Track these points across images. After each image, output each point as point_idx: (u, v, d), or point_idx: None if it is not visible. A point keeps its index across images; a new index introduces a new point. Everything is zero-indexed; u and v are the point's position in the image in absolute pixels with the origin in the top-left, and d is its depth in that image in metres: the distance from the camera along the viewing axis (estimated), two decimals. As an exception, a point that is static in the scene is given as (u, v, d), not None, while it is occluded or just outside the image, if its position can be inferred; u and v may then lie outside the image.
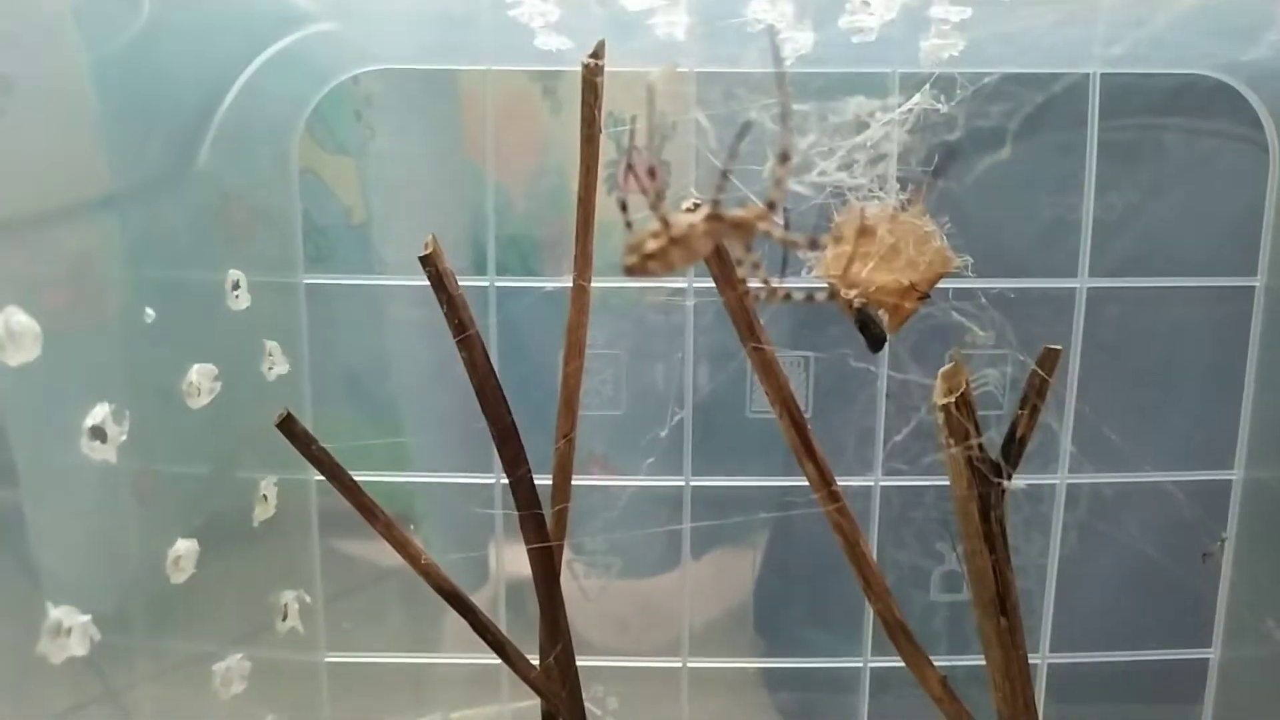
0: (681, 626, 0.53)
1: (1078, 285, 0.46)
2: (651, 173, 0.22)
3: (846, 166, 0.28)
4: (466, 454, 0.49)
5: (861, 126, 0.27)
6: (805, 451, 0.41)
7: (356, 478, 0.42)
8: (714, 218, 0.24)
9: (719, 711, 0.51)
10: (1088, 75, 0.44)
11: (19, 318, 0.26)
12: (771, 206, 0.24)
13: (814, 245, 0.26)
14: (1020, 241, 0.47)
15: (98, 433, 0.30)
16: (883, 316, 0.36)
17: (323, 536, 0.50)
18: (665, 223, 0.22)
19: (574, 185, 0.39)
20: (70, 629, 0.28)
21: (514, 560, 0.52)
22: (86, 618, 0.29)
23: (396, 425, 0.51)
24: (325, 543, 0.50)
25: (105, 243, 0.33)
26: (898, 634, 0.44)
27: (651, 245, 0.23)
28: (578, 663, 0.50)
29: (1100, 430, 0.49)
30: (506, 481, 0.43)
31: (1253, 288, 0.47)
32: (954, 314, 0.38)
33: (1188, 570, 0.50)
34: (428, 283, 0.39)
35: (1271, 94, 0.45)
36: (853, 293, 0.37)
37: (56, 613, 0.28)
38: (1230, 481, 0.49)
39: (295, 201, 0.45)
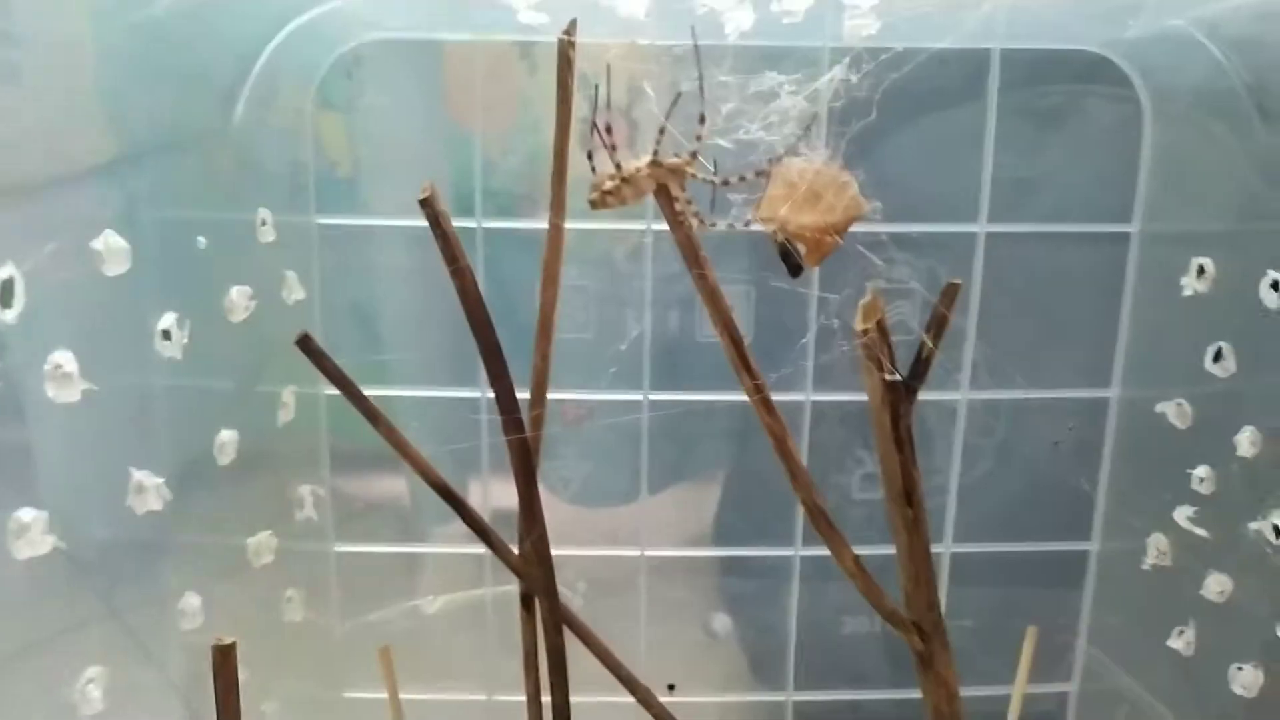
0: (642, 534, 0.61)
1: (978, 229, 0.54)
2: (608, 129, 0.30)
3: (766, 127, 0.35)
4: (453, 372, 0.56)
5: (772, 96, 0.34)
6: (741, 364, 0.48)
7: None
8: (654, 164, 0.31)
9: (675, 594, 0.59)
10: (989, 50, 0.51)
11: (114, 239, 0.33)
12: (694, 156, 0.32)
13: (726, 183, 0.33)
14: (929, 192, 0.55)
15: (167, 335, 0.37)
16: (802, 250, 0.44)
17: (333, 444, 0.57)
18: (618, 167, 0.30)
19: (549, 139, 0.46)
20: (147, 488, 0.36)
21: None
22: (160, 480, 0.36)
23: (394, 345, 0.58)
24: (335, 447, 0.57)
25: (165, 182, 0.40)
26: (818, 518, 0.52)
27: (608, 184, 0.30)
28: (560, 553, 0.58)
29: (997, 354, 0.57)
30: (491, 396, 0.51)
31: (1129, 233, 0.55)
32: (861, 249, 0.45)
33: (1071, 475, 0.59)
34: (421, 225, 0.46)
35: (1143, 65, 0.52)
36: (774, 228, 0.45)
37: (139, 475, 0.35)
38: (1108, 399, 0.57)
39: (309, 153, 0.51)
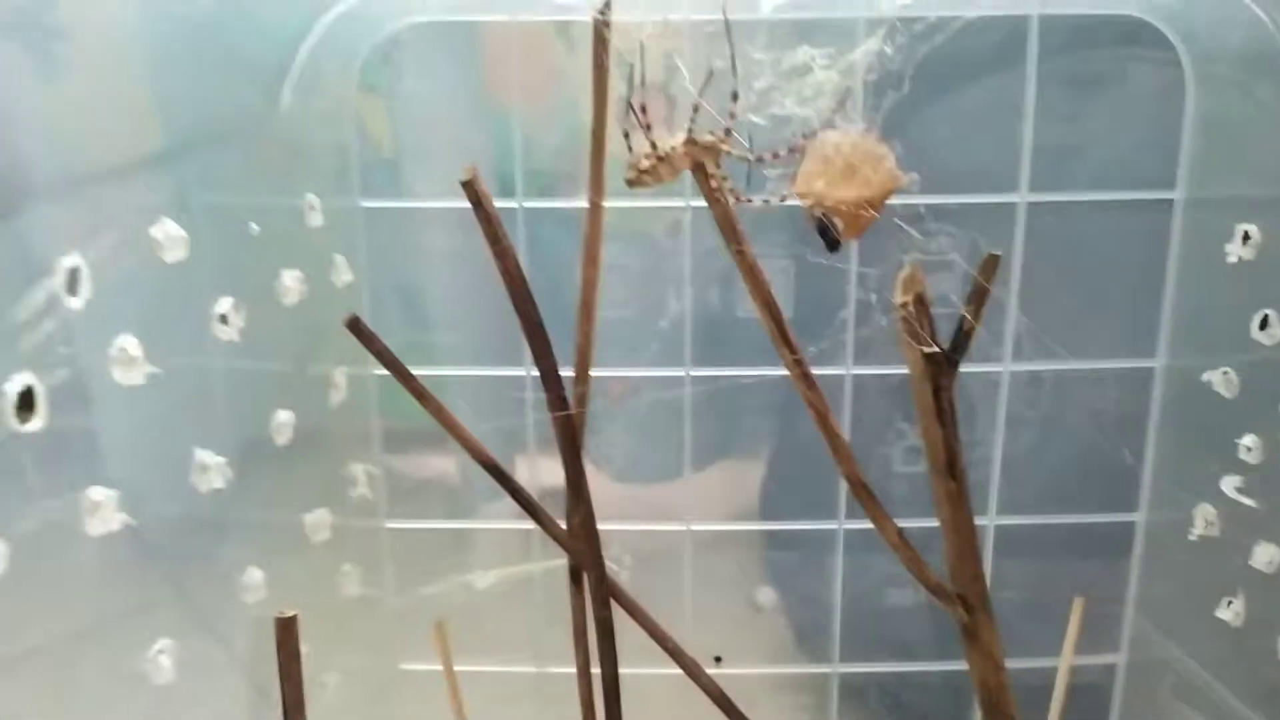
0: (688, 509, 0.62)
1: (1018, 199, 0.53)
2: (643, 108, 0.30)
3: (803, 102, 0.36)
4: (499, 351, 0.57)
5: (806, 70, 0.35)
6: (781, 339, 0.49)
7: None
8: (690, 142, 0.32)
9: (720, 568, 0.60)
10: (1027, 16, 0.51)
11: (172, 227, 0.34)
12: (728, 133, 0.32)
13: (760, 160, 0.34)
14: (969, 162, 0.55)
15: (224, 319, 0.38)
16: (839, 224, 0.44)
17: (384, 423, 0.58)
18: (654, 146, 0.31)
19: (588, 118, 0.46)
20: (210, 467, 0.37)
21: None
22: (223, 459, 0.38)
23: (440, 326, 0.59)
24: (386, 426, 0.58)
25: (216, 170, 0.41)
26: (861, 492, 0.52)
27: (645, 163, 0.31)
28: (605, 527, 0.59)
29: (1040, 325, 0.57)
30: (537, 373, 0.52)
31: (1172, 199, 0.54)
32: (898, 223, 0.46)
33: (1117, 446, 0.58)
34: (464, 206, 0.47)
35: (1184, 28, 0.51)
36: (810, 203, 0.45)
37: (202, 454, 0.37)
38: (1153, 368, 0.57)
39: (353, 137, 0.53)
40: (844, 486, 0.60)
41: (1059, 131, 0.54)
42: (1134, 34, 0.52)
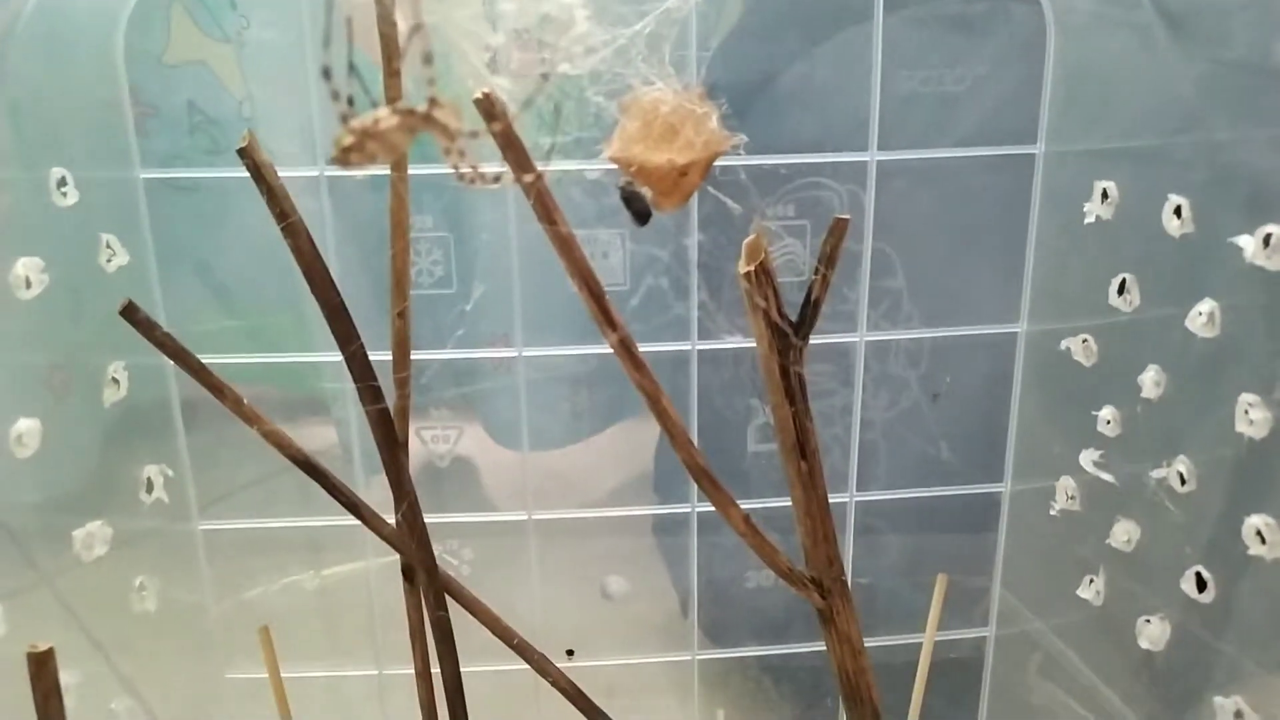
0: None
1: (868, 158, 0.49)
2: (326, 73, 0.25)
3: (569, 59, 0.31)
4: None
5: (569, 24, 0.30)
6: (603, 317, 0.45)
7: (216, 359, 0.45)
8: (408, 113, 0.27)
9: (561, 554, 0.56)
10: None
11: None
12: (433, 102, 0.27)
13: (475, 135, 0.29)
14: (816, 122, 0.50)
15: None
16: (648, 194, 0.40)
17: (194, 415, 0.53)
18: (344, 119, 0.26)
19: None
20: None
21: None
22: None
23: (252, 309, 0.54)
24: (196, 419, 0.53)
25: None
26: (702, 478, 0.49)
27: (347, 139, 0.26)
28: (445, 519, 0.55)
29: (900, 290, 0.53)
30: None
31: (1033, 155, 0.51)
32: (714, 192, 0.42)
33: (983, 415, 0.56)
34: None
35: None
36: (630, 168, 0.40)
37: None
38: (1016, 334, 0.54)
39: (124, 99, 0.46)
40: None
41: (915, 85, 0.50)
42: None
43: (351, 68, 0.26)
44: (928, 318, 0.54)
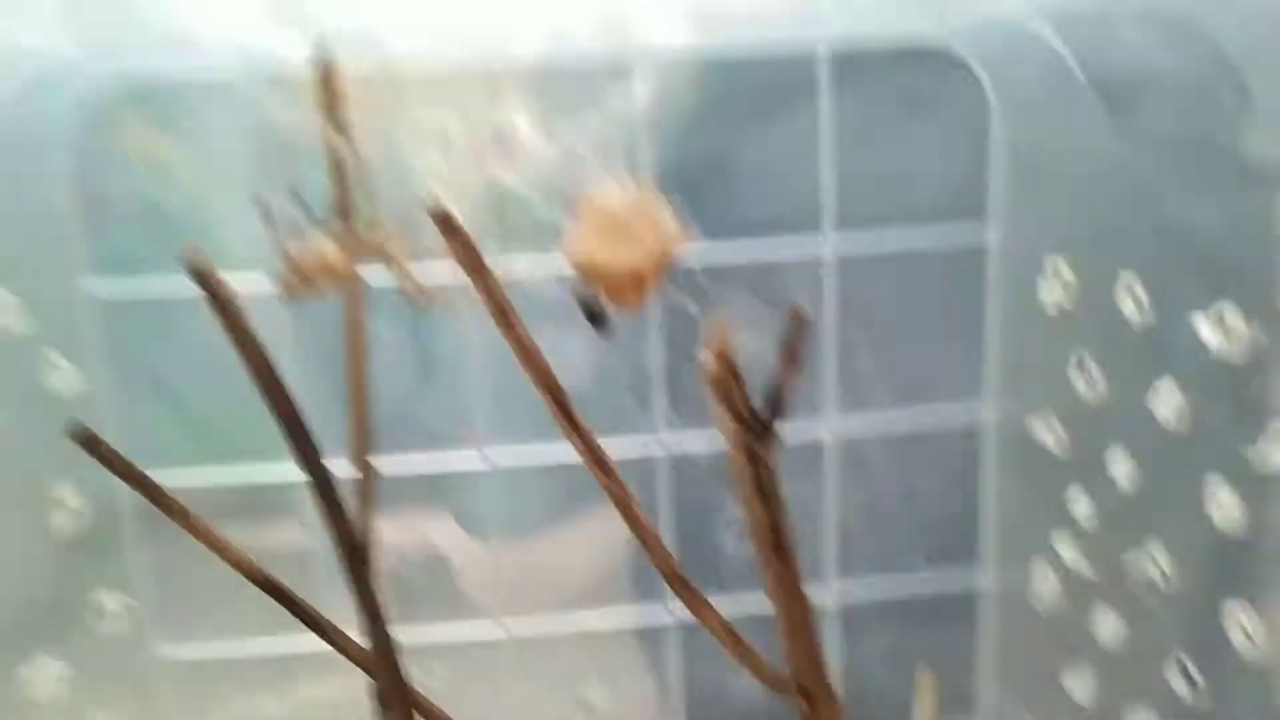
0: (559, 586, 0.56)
1: (825, 252, 0.50)
2: (264, 211, 0.25)
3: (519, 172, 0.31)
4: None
5: (510, 133, 0.30)
6: (567, 422, 0.44)
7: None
8: (352, 242, 0.27)
9: (538, 663, 0.55)
10: (814, 48, 0.47)
11: None
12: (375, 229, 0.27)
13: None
14: (770, 204, 0.51)
15: None
16: (605, 300, 0.39)
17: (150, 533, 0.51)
18: (286, 256, 0.25)
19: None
20: None
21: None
22: None
23: (210, 415, 0.53)
24: (155, 538, 0.51)
25: None
26: (677, 584, 0.48)
27: (290, 277, 0.25)
28: (418, 635, 0.53)
29: (864, 380, 0.53)
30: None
31: (984, 239, 0.51)
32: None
33: (957, 504, 0.55)
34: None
35: (983, 56, 0.48)
36: (582, 270, 0.40)
37: None
38: (981, 418, 0.53)
39: (73, 210, 0.46)
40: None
41: (865, 170, 0.50)
42: (937, 63, 0.49)
43: (295, 195, 0.26)
44: (897, 399, 0.53)
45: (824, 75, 0.47)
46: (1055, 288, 0.46)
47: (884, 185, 0.51)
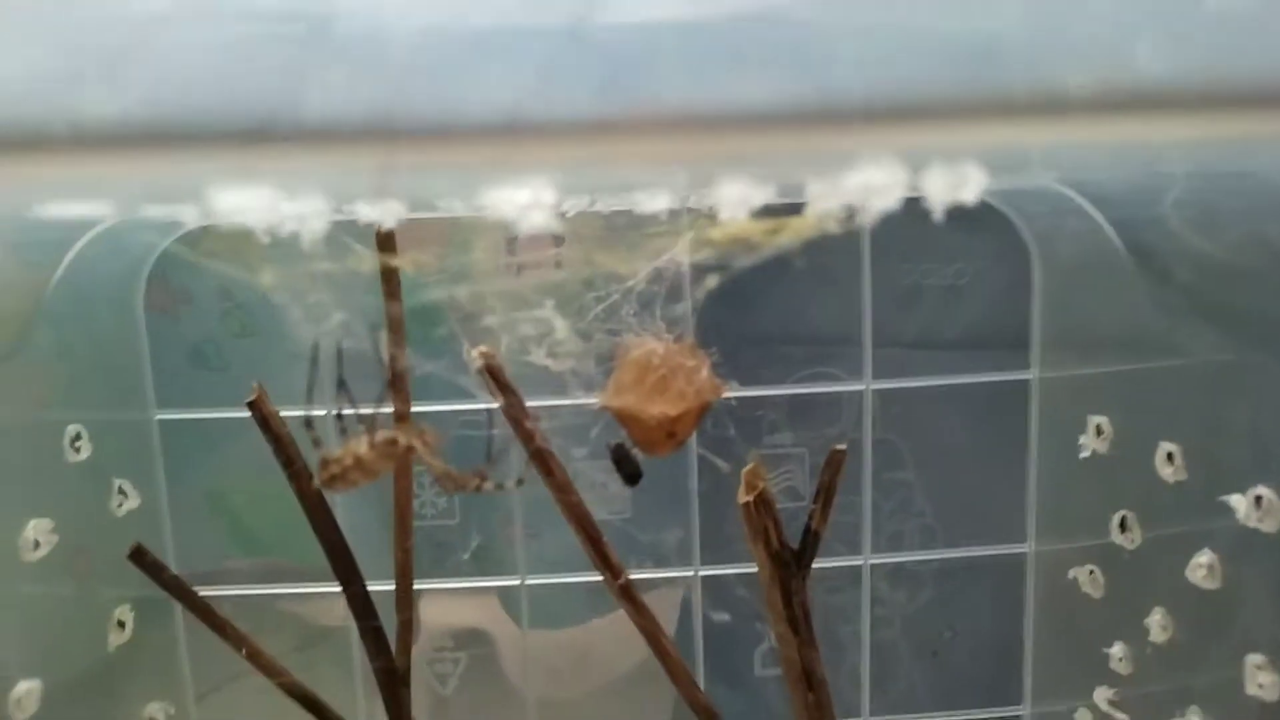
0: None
1: (862, 388, 0.50)
2: (308, 423, 0.26)
3: (556, 357, 0.32)
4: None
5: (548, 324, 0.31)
6: (603, 563, 0.45)
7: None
8: (386, 443, 0.28)
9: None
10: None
11: None
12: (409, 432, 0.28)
13: (449, 479, 0.30)
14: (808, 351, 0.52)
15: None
16: (636, 454, 0.40)
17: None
18: (325, 463, 0.27)
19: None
20: None
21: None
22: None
23: (265, 537, 0.55)
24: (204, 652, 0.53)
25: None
26: (704, 716, 0.48)
27: (326, 475, 0.27)
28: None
29: (906, 514, 0.53)
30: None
31: (1028, 380, 0.51)
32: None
33: (996, 636, 0.54)
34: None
35: (1025, 214, 0.49)
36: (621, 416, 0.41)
37: None
38: (1024, 554, 0.53)
39: (143, 346, 0.48)
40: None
41: (906, 311, 0.51)
42: (981, 216, 0.49)
43: (342, 384, 0.27)
44: (939, 514, 0.53)
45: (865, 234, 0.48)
46: (1096, 441, 0.46)
47: (927, 327, 0.51)
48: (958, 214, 0.50)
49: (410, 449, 0.28)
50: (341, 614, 0.57)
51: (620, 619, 0.62)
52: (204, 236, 0.49)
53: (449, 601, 0.58)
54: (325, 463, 0.26)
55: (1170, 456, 0.40)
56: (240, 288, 0.54)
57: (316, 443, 0.26)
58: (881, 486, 0.53)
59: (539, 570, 0.54)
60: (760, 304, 0.51)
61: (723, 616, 0.45)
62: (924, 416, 0.53)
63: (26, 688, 0.39)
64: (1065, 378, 0.49)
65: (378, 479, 0.30)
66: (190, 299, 0.54)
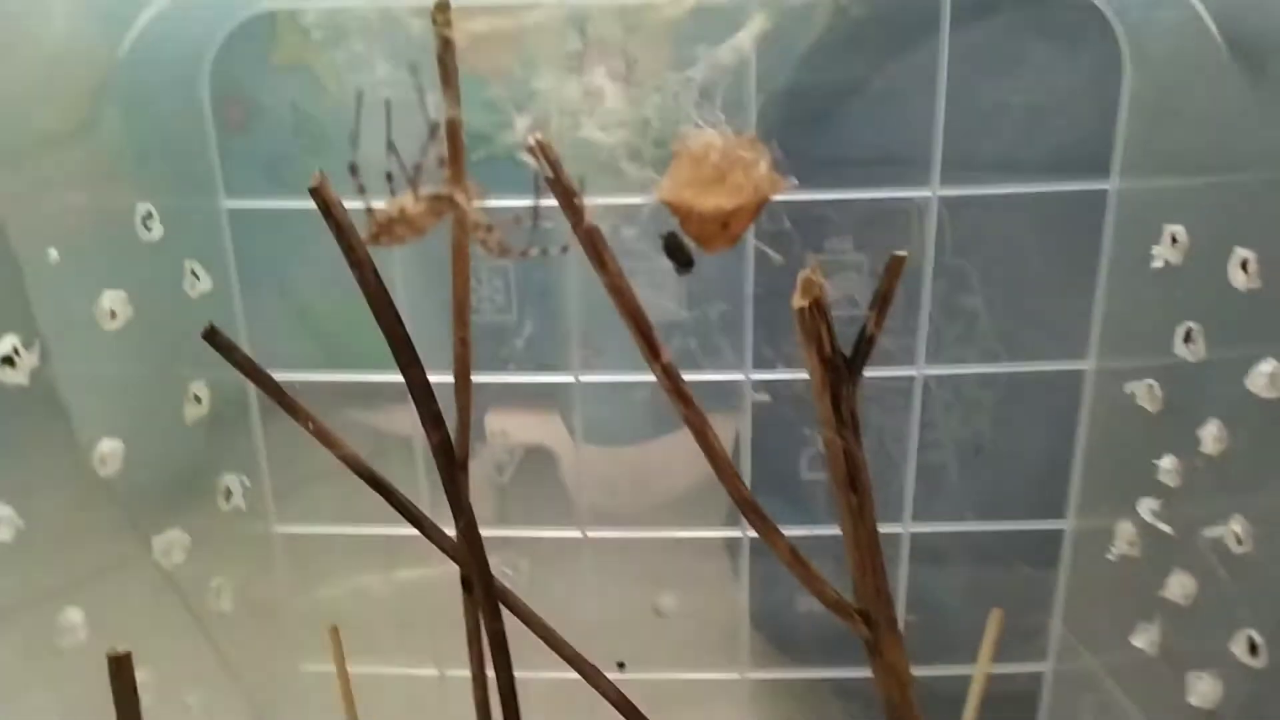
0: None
1: (930, 194, 0.49)
2: (353, 169, 0.26)
3: (605, 129, 0.31)
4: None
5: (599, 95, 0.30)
6: (649, 350, 0.45)
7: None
8: (432, 199, 0.28)
9: (615, 569, 0.58)
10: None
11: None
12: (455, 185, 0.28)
13: (490, 229, 0.30)
14: (877, 154, 0.50)
15: (8, 360, 0.36)
16: (689, 243, 0.40)
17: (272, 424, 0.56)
18: (369, 210, 0.27)
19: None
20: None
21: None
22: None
23: (332, 326, 0.56)
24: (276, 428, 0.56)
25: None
26: (748, 510, 0.49)
27: (374, 228, 0.27)
28: (503, 533, 0.57)
29: (963, 326, 0.52)
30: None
31: (1105, 190, 0.49)
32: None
33: (1044, 449, 0.54)
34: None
35: (1119, 6, 0.46)
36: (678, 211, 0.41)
37: None
38: (1083, 371, 0.52)
39: (210, 134, 0.49)
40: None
41: (981, 113, 0.48)
42: (1068, 9, 0.46)
43: (390, 145, 0.27)
44: (1003, 337, 0.53)
45: (945, 16, 0.45)
46: (1170, 251, 0.44)
47: (1006, 128, 0.49)
48: (1047, 21, 0.47)
49: (453, 201, 0.28)
50: (410, 423, 0.60)
51: (678, 441, 0.63)
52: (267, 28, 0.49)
53: (511, 419, 0.60)
54: (371, 216, 0.27)
55: (1245, 265, 0.39)
56: (307, 96, 0.54)
57: (361, 190, 0.27)
58: (947, 311, 0.53)
59: (597, 389, 0.55)
60: (829, 124, 0.49)
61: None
62: (995, 241, 0.52)
63: (110, 446, 0.42)
64: (1144, 189, 0.47)
65: (424, 235, 0.31)
66: (261, 112, 0.54)
